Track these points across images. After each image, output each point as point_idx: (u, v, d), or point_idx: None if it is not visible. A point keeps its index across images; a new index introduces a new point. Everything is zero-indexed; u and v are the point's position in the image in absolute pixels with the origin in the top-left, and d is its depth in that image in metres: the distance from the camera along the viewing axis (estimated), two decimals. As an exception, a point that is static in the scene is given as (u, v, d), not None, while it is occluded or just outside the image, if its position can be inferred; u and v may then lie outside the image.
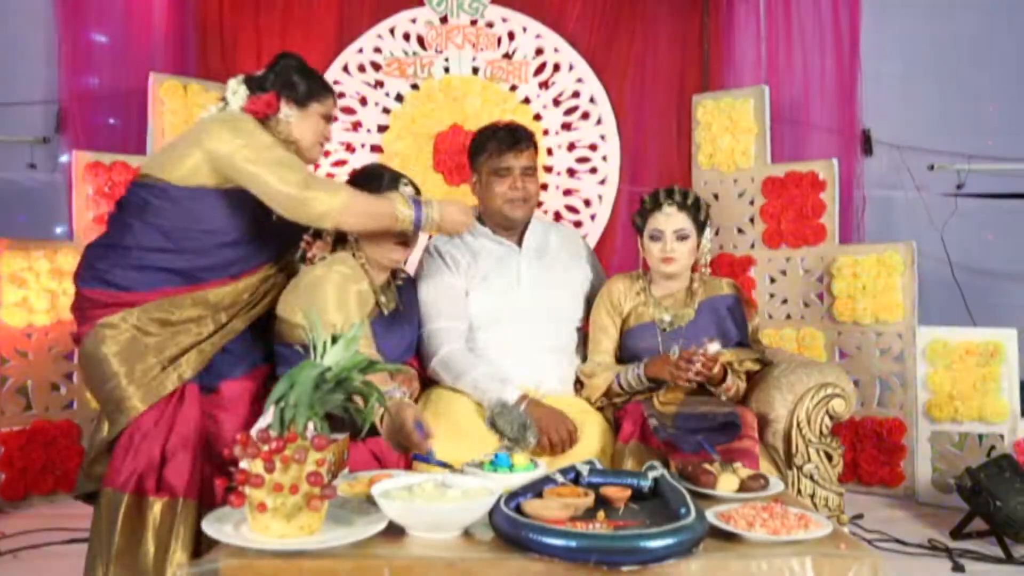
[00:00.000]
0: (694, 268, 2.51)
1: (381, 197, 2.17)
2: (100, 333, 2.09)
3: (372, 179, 2.31)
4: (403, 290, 2.46)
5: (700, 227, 2.45)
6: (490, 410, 2.02)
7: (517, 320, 2.47)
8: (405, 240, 2.30)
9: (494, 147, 2.50)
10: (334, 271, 2.20)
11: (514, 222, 2.54)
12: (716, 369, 2.23)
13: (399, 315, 2.38)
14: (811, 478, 2.35)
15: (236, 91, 2.21)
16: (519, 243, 2.57)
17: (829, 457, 2.38)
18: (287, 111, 2.21)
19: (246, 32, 3.98)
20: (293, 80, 2.22)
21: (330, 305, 2.14)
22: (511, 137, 2.50)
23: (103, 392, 2.10)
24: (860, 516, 3.13)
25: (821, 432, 2.37)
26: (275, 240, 2.28)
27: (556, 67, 4.02)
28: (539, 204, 3.40)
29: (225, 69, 3.82)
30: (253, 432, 1.52)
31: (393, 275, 2.43)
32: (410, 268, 2.65)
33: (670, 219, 2.43)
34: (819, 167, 3.74)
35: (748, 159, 3.86)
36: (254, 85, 2.22)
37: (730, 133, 3.88)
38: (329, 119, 2.28)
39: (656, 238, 2.44)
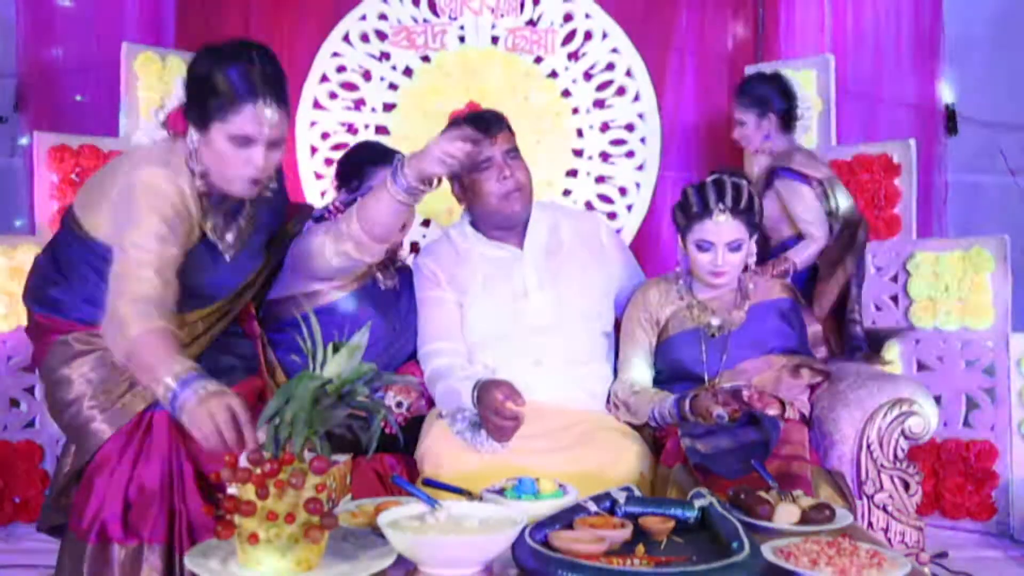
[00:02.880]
0: (744, 267, 2.52)
1: (156, 364, 1.84)
2: (60, 353, 2.14)
3: (364, 156, 2.55)
4: (403, 273, 2.68)
5: (754, 229, 2.45)
6: (448, 418, 2.28)
7: (528, 334, 2.48)
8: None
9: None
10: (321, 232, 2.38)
11: (515, 218, 2.55)
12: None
13: (397, 294, 2.59)
14: (884, 509, 2.37)
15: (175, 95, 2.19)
16: (521, 244, 2.58)
17: (906, 485, 2.39)
18: (192, 135, 2.03)
19: (232, -5, 4.03)
20: (192, 93, 2.01)
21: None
22: (480, 126, 2.42)
23: (66, 416, 2.14)
24: (944, 555, 3.12)
25: (895, 456, 2.38)
26: (231, 276, 2.25)
27: (588, 35, 4.02)
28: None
29: (209, 38, 3.84)
30: (244, 453, 1.55)
31: (393, 256, 2.65)
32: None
33: (722, 229, 2.39)
34: (893, 149, 3.73)
35: (809, 140, 3.84)
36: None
37: (789, 110, 3.86)
38: (247, 141, 1.98)
39: (705, 249, 2.42)
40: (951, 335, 3.59)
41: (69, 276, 2.17)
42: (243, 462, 1.51)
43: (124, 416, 2.09)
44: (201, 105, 1.98)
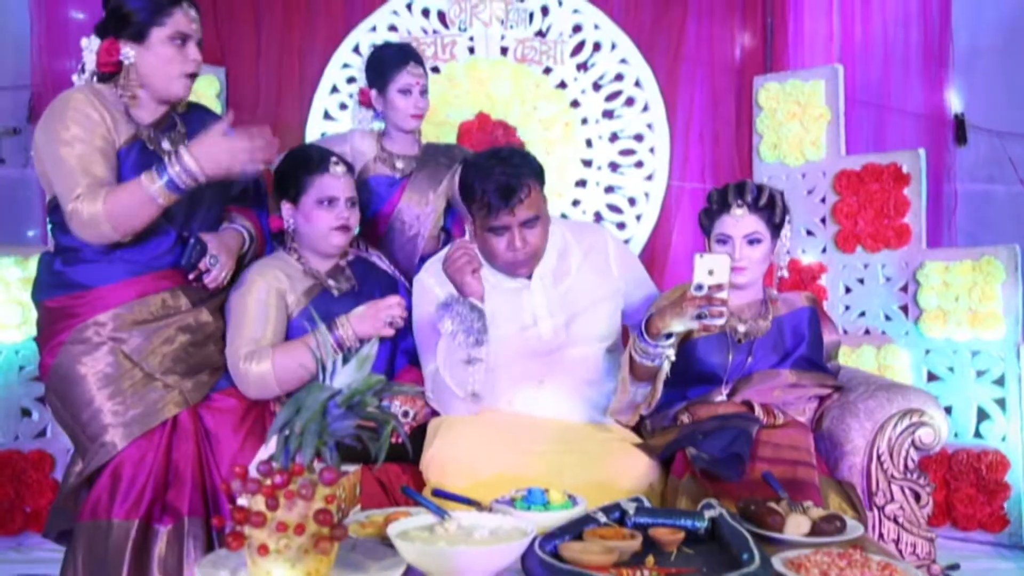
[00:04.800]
0: (768, 276, 2.54)
1: (132, 183, 2.19)
2: (71, 351, 2.20)
3: (299, 164, 2.54)
4: (355, 266, 2.67)
5: (776, 229, 2.47)
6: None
7: (534, 357, 2.50)
8: (343, 225, 2.52)
9: (483, 201, 2.42)
10: (257, 275, 2.48)
11: (519, 275, 2.53)
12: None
13: (356, 293, 2.58)
14: (895, 520, 2.38)
15: (90, 47, 2.30)
16: (529, 273, 2.55)
17: (916, 496, 2.41)
18: (128, 52, 2.26)
19: (242, 7, 4.05)
20: (123, 12, 2.25)
21: (252, 306, 2.43)
22: (503, 193, 2.38)
23: (81, 420, 2.19)
24: (956, 567, 3.10)
25: (906, 467, 2.40)
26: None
27: (596, 46, 4.07)
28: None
29: (220, 49, 3.89)
30: (253, 464, 1.56)
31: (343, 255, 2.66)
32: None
33: (739, 222, 2.43)
34: (902, 158, 3.73)
35: (819, 150, 3.87)
36: (100, 32, 2.29)
37: (798, 120, 3.89)
38: (184, 38, 2.27)
39: (723, 242, 2.45)
40: (962, 345, 3.58)
41: (72, 246, 2.26)
42: (253, 472, 1.51)
43: (140, 428, 2.18)
44: (137, 17, 2.23)
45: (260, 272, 2.50)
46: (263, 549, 1.47)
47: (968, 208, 4.18)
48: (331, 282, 2.57)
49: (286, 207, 2.55)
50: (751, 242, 2.44)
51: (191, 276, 2.31)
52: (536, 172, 2.48)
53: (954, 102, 4.19)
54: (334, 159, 2.54)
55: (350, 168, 2.61)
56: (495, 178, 2.39)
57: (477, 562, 1.55)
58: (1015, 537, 3.47)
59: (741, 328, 2.48)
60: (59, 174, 2.19)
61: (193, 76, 2.31)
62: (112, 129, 2.23)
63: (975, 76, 4.18)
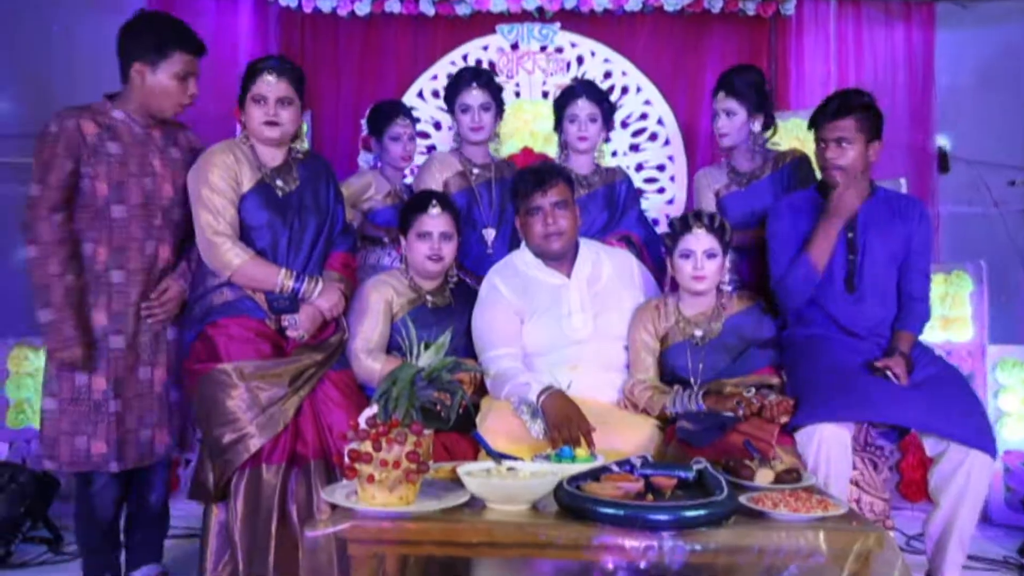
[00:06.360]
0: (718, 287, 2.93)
1: (270, 267, 2.80)
2: (212, 379, 2.71)
3: (409, 204, 3.14)
4: (455, 290, 3.14)
5: (725, 248, 2.87)
6: (517, 408, 2.73)
7: (569, 345, 2.92)
8: (434, 255, 3.01)
9: (523, 189, 2.97)
10: (372, 288, 3.05)
11: (554, 254, 2.99)
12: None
13: (449, 309, 3.07)
14: (856, 484, 2.78)
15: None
16: (569, 274, 3.01)
17: (874, 465, 2.83)
18: (243, 114, 2.90)
19: (326, 62, 4.61)
20: (241, 90, 2.89)
21: (368, 311, 3.01)
22: (536, 178, 2.96)
23: (226, 432, 2.68)
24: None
25: (867, 442, 2.83)
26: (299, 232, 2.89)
27: (624, 90, 4.50)
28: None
29: (308, 100, 4.40)
30: (362, 419, 2.08)
31: (446, 278, 3.13)
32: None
33: (700, 240, 2.83)
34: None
35: (815, 177, 4.23)
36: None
37: (798, 153, 4.26)
38: (263, 100, 2.82)
39: (687, 256, 2.84)
40: (935, 346, 3.84)
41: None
42: (363, 424, 2.02)
43: (274, 427, 2.69)
44: (242, 93, 2.87)
45: (375, 286, 3.05)
46: (370, 479, 1.96)
47: (950, 229, 4.53)
48: (429, 297, 3.07)
49: (402, 239, 3.08)
50: (709, 256, 2.83)
51: (271, 321, 2.81)
52: (564, 175, 3.06)
53: (938, 136, 4.54)
54: (433, 202, 3.05)
55: (448, 208, 3.06)
56: (532, 171, 3.05)
57: (521, 492, 2.04)
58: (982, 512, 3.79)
59: (698, 333, 2.89)
60: (201, 209, 2.77)
61: (273, 124, 2.83)
62: (238, 175, 2.82)
63: (956, 112, 4.53)
